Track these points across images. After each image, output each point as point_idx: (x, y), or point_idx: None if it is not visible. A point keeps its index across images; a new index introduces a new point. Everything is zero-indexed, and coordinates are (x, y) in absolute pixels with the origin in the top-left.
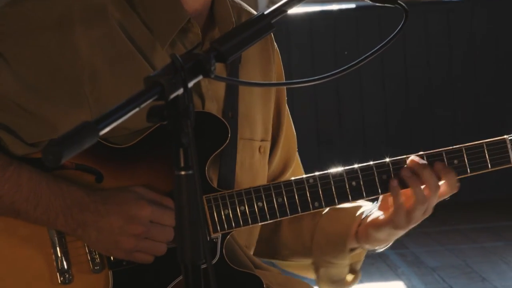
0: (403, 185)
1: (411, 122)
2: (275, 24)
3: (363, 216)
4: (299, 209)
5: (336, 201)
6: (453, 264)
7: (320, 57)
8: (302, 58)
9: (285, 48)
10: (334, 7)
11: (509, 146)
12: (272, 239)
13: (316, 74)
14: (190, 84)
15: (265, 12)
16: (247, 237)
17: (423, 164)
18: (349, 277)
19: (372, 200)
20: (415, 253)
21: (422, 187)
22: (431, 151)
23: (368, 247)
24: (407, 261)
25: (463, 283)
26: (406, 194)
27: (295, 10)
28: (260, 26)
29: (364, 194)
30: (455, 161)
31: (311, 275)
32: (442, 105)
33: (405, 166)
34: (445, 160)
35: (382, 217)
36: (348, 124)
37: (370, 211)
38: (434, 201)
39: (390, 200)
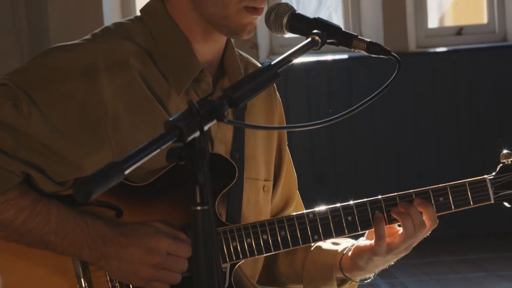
0: (391, 220)
1: (399, 163)
2: (281, 73)
3: (346, 251)
4: (300, 242)
5: (334, 234)
6: None
7: (316, 102)
8: (299, 103)
9: (283, 94)
10: (329, 57)
11: (489, 185)
12: (271, 268)
13: (312, 118)
14: (206, 128)
15: (272, 63)
16: (252, 267)
17: (411, 204)
18: None
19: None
20: (404, 283)
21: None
22: (419, 189)
23: (353, 275)
24: None
25: None
26: (392, 230)
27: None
28: (267, 75)
29: (359, 228)
30: (441, 199)
31: None
32: (427, 149)
33: (396, 207)
34: (432, 197)
35: (364, 244)
36: (341, 164)
37: (353, 245)
38: (420, 237)
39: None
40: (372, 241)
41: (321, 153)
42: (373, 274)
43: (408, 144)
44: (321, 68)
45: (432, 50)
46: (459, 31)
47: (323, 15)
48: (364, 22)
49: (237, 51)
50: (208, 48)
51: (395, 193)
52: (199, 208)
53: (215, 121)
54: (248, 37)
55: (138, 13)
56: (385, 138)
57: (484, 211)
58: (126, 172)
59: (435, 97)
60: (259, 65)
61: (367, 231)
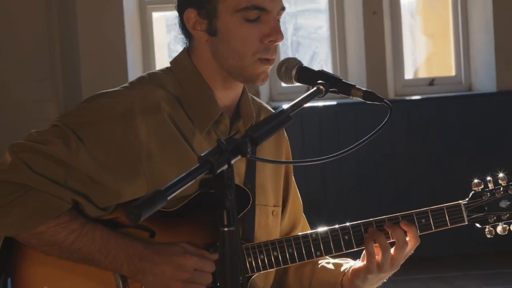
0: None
1: (379, 192)
2: (293, 116)
3: (346, 271)
4: (305, 257)
5: (333, 251)
6: None
7: (309, 143)
8: (295, 142)
9: None
10: (320, 103)
11: (463, 209)
12: (282, 283)
13: (306, 156)
14: (232, 162)
15: (285, 108)
16: (264, 280)
17: (397, 225)
18: None
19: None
20: None
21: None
22: (405, 212)
23: None
24: None
25: None
26: (379, 249)
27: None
28: (281, 119)
29: (355, 246)
30: (423, 220)
31: None
32: (403, 180)
33: (373, 228)
34: (415, 219)
35: (359, 265)
36: (331, 195)
37: (351, 266)
38: (404, 254)
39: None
40: (365, 262)
41: (313, 184)
42: None
43: (387, 176)
44: (313, 113)
45: (408, 98)
46: (431, 82)
47: (315, 67)
48: (350, 73)
49: (251, 96)
50: (226, 95)
51: (385, 216)
52: (226, 229)
53: (239, 157)
54: (262, 84)
55: (168, 65)
56: (368, 171)
57: (453, 235)
58: (168, 198)
59: (411, 137)
60: (270, 109)
61: (362, 254)
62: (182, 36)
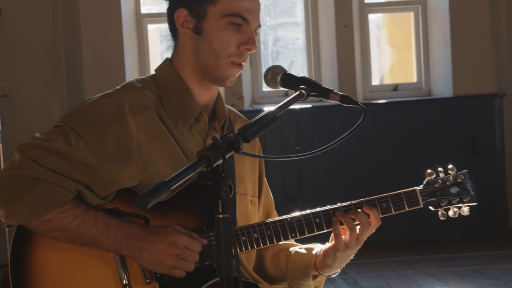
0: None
1: (349, 189)
2: (279, 117)
3: (318, 253)
4: (282, 238)
5: (306, 232)
6: (380, 285)
7: (286, 141)
8: (275, 141)
9: (263, 135)
10: (296, 106)
11: (418, 194)
12: (262, 269)
13: (284, 153)
14: (227, 157)
15: (271, 110)
16: (247, 261)
17: (360, 210)
18: None
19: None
20: (354, 278)
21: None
22: (368, 198)
23: (324, 272)
24: (348, 283)
25: None
26: (346, 230)
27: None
28: (269, 119)
29: (325, 228)
30: (384, 204)
31: None
32: (371, 176)
33: (350, 211)
34: (377, 204)
35: (329, 245)
36: (306, 187)
37: (321, 249)
38: (367, 234)
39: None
40: (333, 242)
41: (290, 178)
42: (339, 269)
43: (356, 171)
44: (291, 115)
45: (375, 101)
46: (395, 87)
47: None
48: (324, 80)
49: (228, 107)
50: (203, 94)
51: (350, 201)
52: (221, 216)
53: (233, 152)
54: (229, 85)
55: (153, 72)
56: (340, 169)
57: (413, 223)
58: (172, 188)
59: (377, 137)
60: (245, 118)
61: (330, 236)
62: (170, 35)
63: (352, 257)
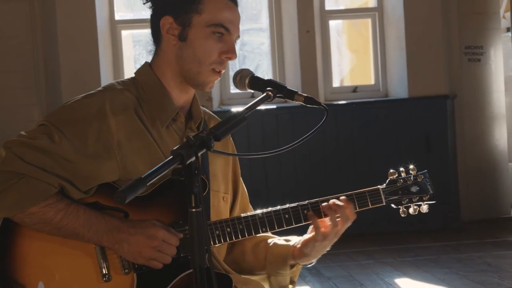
0: (320, 216)
1: (312, 183)
2: (247, 117)
3: (295, 244)
4: (253, 232)
5: (276, 227)
6: (342, 275)
7: (253, 139)
8: (241, 141)
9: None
10: (262, 107)
11: (381, 192)
12: (241, 261)
13: (251, 151)
14: (199, 154)
15: (241, 110)
16: (218, 252)
17: (338, 204)
18: (290, 285)
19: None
20: (317, 268)
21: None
22: (335, 195)
23: (301, 261)
24: (312, 273)
25: (348, 287)
26: (323, 222)
27: (238, 109)
28: (238, 119)
29: (293, 223)
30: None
31: (267, 285)
32: (332, 173)
33: (327, 204)
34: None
35: (308, 236)
36: (271, 185)
37: (299, 240)
38: (346, 226)
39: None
40: (313, 233)
41: (256, 175)
42: (314, 260)
43: (318, 168)
44: (257, 115)
45: (335, 102)
46: (355, 89)
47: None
48: (288, 82)
49: (203, 109)
50: (181, 96)
51: (316, 199)
52: (194, 210)
53: (205, 150)
54: (208, 91)
55: (133, 75)
56: (304, 167)
57: (372, 216)
58: (148, 184)
59: (338, 136)
60: (218, 118)
61: (309, 228)
62: (151, 40)
63: (328, 248)
